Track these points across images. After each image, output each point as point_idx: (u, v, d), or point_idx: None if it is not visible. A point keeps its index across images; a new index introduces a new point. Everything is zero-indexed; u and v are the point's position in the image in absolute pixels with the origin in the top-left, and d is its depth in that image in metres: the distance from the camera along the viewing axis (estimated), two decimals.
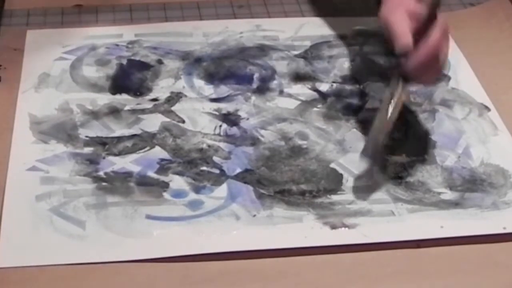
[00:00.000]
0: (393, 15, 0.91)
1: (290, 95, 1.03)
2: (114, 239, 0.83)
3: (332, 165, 0.93)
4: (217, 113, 1.00)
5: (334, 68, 1.08)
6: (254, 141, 0.96)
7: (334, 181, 0.91)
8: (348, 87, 1.05)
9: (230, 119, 0.99)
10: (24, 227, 0.84)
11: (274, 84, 1.05)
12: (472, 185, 0.92)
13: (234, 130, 0.98)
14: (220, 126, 0.98)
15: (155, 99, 1.02)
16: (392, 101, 0.90)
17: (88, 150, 0.94)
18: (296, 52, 1.11)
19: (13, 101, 1.00)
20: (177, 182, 0.90)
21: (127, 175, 0.91)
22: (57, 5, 1.18)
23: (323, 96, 1.04)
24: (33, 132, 0.95)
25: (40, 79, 1.04)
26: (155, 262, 0.82)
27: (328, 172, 0.93)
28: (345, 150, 0.96)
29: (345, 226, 0.86)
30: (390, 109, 0.89)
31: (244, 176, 0.91)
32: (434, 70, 0.92)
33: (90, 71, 1.06)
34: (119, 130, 0.97)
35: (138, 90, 1.03)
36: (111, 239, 0.83)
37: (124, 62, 1.08)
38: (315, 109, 1.01)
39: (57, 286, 0.79)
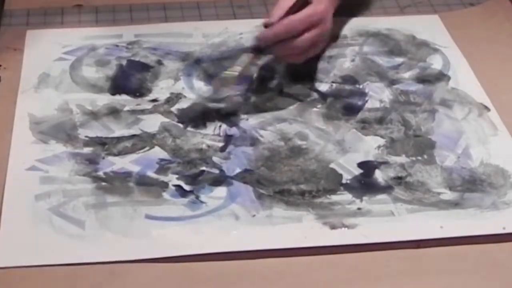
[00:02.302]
0: None
1: (289, 95, 1.03)
2: (114, 239, 0.83)
3: (332, 165, 0.93)
4: (216, 113, 1.00)
5: (334, 68, 1.08)
6: (254, 141, 0.96)
7: (334, 181, 0.91)
8: (347, 87, 1.05)
9: (229, 119, 0.99)
10: (23, 227, 0.84)
11: (273, 84, 1.05)
12: (471, 185, 0.92)
13: (234, 130, 0.98)
14: (220, 126, 0.98)
15: (154, 100, 1.02)
16: (238, 66, 0.97)
17: (87, 150, 0.94)
18: None
19: (13, 101, 1.00)
20: (177, 182, 0.90)
21: (127, 175, 0.91)
22: (57, 5, 1.18)
23: (322, 96, 1.03)
24: (33, 132, 0.95)
25: (40, 79, 1.04)
26: (154, 262, 0.82)
27: (327, 172, 0.92)
28: (345, 150, 0.95)
29: (344, 226, 0.86)
30: (234, 72, 0.97)
31: (244, 176, 0.91)
32: (287, 47, 0.98)
33: (90, 72, 1.06)
34: (118, 130, 0.97)
35: (138, 91, 1.03)
36: (111, 239, 0.83)
37: (124, 62, 1.08)
38: (314, 109, 1.01)
39: (57, 286, 0.79)
